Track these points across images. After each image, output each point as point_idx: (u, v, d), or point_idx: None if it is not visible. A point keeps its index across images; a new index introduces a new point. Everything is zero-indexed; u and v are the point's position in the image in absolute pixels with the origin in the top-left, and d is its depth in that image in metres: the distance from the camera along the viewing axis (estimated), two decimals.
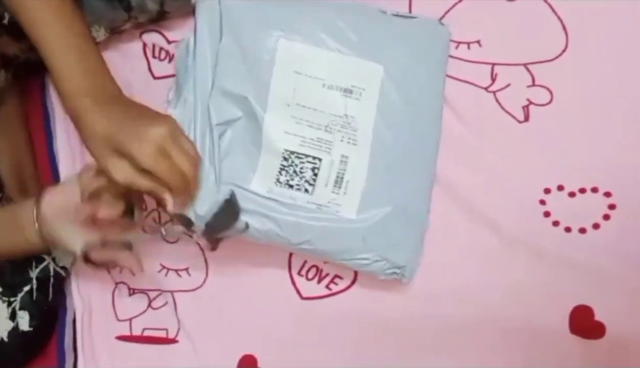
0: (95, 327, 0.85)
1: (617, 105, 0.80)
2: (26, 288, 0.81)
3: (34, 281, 0.82)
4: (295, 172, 0.76)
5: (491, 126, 0.82)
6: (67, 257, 0.83)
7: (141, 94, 0.78)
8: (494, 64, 0.82)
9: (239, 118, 0.76)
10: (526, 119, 0.81)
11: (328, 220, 0.76)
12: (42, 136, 0.89)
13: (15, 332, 0.80)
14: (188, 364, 0.84)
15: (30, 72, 0.85)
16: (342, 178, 0.76)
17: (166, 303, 0.85)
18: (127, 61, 0.84)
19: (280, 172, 0.76)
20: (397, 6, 0.82)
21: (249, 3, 0.77)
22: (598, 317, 0.80)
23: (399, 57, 0.78)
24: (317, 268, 0.83)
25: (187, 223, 0.71)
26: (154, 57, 0.85)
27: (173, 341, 0.84)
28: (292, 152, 0.76)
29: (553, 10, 0.80)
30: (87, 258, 0.72)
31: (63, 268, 0.84)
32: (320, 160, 0.76)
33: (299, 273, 0.83)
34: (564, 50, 0.80)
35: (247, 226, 0.74)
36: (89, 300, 0.86)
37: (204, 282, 0.84)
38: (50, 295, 0.83)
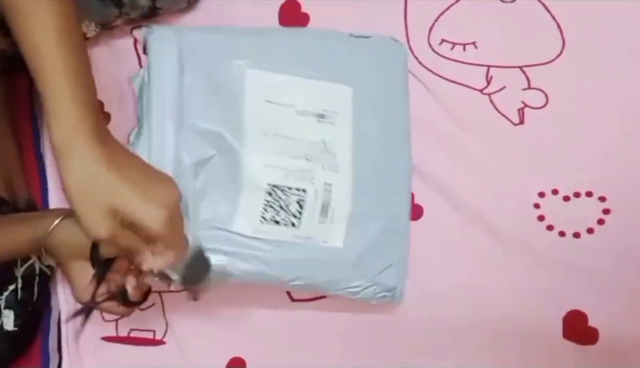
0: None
1: (612, 109, 0.80)
2: (11, 287, 0.80)
3: (19, 280, 0.80)
4: (281, 206, 0.74)
5: (486, 129, 0.81)
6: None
7: (131, 91, 0.77)
8: (489, 66, 0.81)
9: (212, 156, 0.73)
10: (521, 121, 0.81)
11: (316, 252, 0.74)
12: (29, 134, 0.88)
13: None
14: (175, 366, 0.82)
15: (18, 68, 0.83)
16: (327, 206, 0.75)
17: (153, 304, 0.83)
18: (117, 57, 0.83)
19: (265, 209, 0.73)
20: (391, 8, 0.82)
21: (208, 35, 0.76)
22: (592, 322, 0.80)
23: (365, 77, 0.78)
24: None
25: (166, 278, 0.64)
26: (144, 53, 0.83)
27: (160, 342, 0.83)
28: (276, 186, 0.74)
29: (549, 12, 0.80)
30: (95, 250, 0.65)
31: (48, 267, 0.83)
32: (304, 191, 0.74)
33: None
34: (559, 53, 0.80)
35: (227, 273, 0.70)
36: (74, 301, 0.84)
37: None
38: (35, 294, 0.82)
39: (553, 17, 0.80)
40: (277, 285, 0.75)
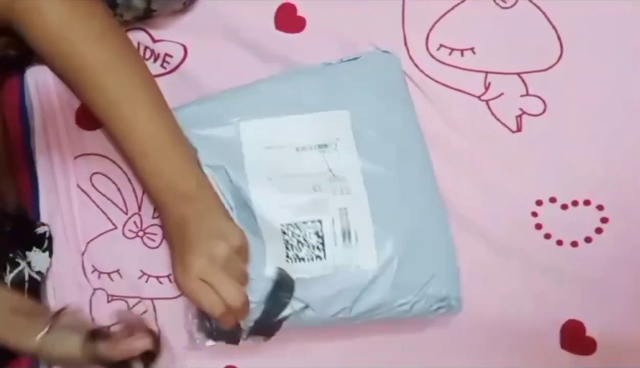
0: None
1: (611, 116, 0.79)
2: None
3: (8, 286, 0.79)
4: (299, 242, 0.72)
5: (483, 135, 0.81)
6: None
7: None
8: (487, 72, 0.81)
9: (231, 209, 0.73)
10: (519, 129, 0.80)
11: (351, 279, 0.72)
12: (20, 137, 0.86)
13: None
14: None
15: (8, 68, 0.82)
16: (348, 230, 0.73)
17: (146, 310, 0.82)
18: None
19: (286, 247, 0.72)
20: (388, 12, 0.81)
21: (198, 106, 0.77)
22: (589, 332, 0.79)
23: (361, 97, 0.77)
24: None
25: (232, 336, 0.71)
26: None
27: None
28: (289, 224, 0.72)
29: (548, 19, 0.80)
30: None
31: (38, 273, 0.81)
32: (320, 221, 0.73)
33: None
34: (558, 60, 0.80)
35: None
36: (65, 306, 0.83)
37: None
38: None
39: (551, 24, 0.80)
40: (322, 324, 0.74)
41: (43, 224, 0.81)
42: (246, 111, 0.76)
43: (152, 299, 0.82)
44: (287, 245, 0.72)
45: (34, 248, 0.79)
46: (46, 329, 0.65)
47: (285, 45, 0.83)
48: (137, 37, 0.82)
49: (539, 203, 0.80)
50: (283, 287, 0.71)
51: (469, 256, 0.79)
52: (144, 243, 0.80)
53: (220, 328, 0.71)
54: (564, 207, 0.79)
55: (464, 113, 0.80)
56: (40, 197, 0.82)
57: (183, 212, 0.68)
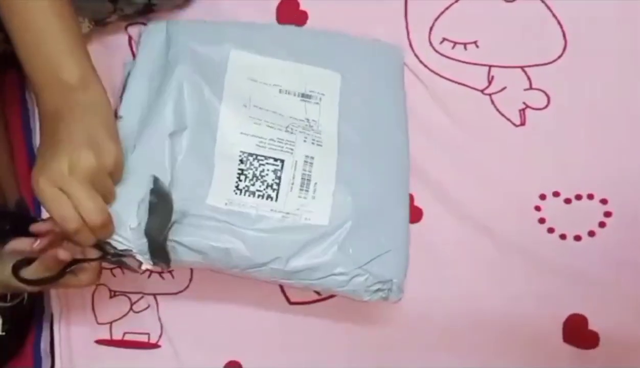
0: (74, 330, 0.82)
1: (615, 110, 0.79)
2: None
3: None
4: (255, 176, 0.68)
5: (487, 129, 0.80)
6: None
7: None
8: (490, 66, 0.80)
9: (184, 129, 0.69)
10: (522, 122, 0.80)
11: (297, 230, 0.67)
12: (20, 133, 0.86)
13: None
14: None
15: (9, 65, 0.81)
16: (308, 180, 0.69)
17: (148, 306, 0.82)
18: (112, 54, 0.81)
19: (239, 178, 0.68)
20: (392, 6, 0.80)
21: (198, 23, 0.76)
22: (592, 326, 0.79)
23: (357, 68, 0.76)
24: None
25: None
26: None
27: (155, 346, 0.81)
28: (250, 154, 0.69)
29: (552, 12, 0.79)
30: (16, 273, 0.64)
31: None
32: (282, 161, 0.69)
33: None
34: (561, 54, 0.79)
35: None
36: (67, 303, 0.83)
37: (188, 285, 0.82)
38: (25, 298, 0.80)
39: (555, 17, 0.79)
40: (248, 269, 0.67)
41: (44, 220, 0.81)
42: (239, 40, 0.74)
43: (154, 295, 0.82)
44: (241, 175, 0.68)
45: None
46: None
47: None
48: (138, 30, 0.81)
49: (542, 197, 0.79)
50: (161, 198, 0.64)
51: (472, 249, 0.80)
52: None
53: (118, 251, 0.64)
54: (568, 201, 0.79)
55: (467, 107, 0.80)
56: None
57: (58, 103, 0.61)
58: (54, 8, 0.62)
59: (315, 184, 0.69)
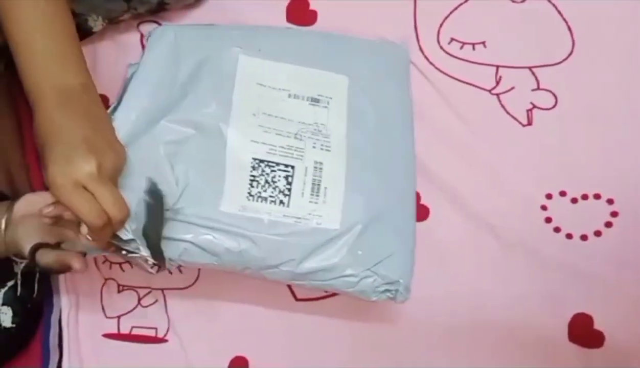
0: (82, 323, 0.82)
1: (622, 111, 0.79)
2: (10, 283, 0.79)
3: (19, 276, 0.79)
4: (267, 182, 0.70)
5: (494, 129, 0.81)
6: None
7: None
8: (498, 66, 0.81)
9: (191, 135, 0.70)
10: (529, 122, 0.80)
11: (309, 234, 0.69)
12: (31, 127, 0.86)
13: None
14: (177, 365, 0.81)
15: None
16: (318, 185, 0.71)
17: (156, 301, 0.82)
18: (123, 52, 0.82)
19: (251, 185, 0.70)
20: (400, 6, 0.81)
21: (207, 28, 0.76)
22: (597, 325, 0.79)
23: (363, 70, 0.77)
24: None
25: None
26: None
27: (162, 340, 0.82)
28: (262, 161, 0.70)
29: (560, 13, 0.80)
30: (33, 259, 0.67)
31: None
32: (292, 167, 0.71)
33: None
34: (569, 54, 0.80)
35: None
36: (76, 296, 0.83)
37: (196, 280, 0.82)
38: (36, 291, 0.81)
39: (563, 18, 0.80)
40: (261, 270, 0.69)
41: None
42: (247, 44, 0.75)
43: (162, 290, 0.82)
44: (253, 181, 0.70)
45: None
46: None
47: None
48: (150, 29, 0.82)
49: (548, 196, 0.80)
50: (155, 200, 0.66)
51: (478, 248, 0.80)
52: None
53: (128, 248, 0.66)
54: (574, 200, 0.79)
55: (475, 106, 0.81)
56: None
57: (61, 104, 0.62)
58: (48, 11, 0.63)
59: (326, 188, 0.71)
